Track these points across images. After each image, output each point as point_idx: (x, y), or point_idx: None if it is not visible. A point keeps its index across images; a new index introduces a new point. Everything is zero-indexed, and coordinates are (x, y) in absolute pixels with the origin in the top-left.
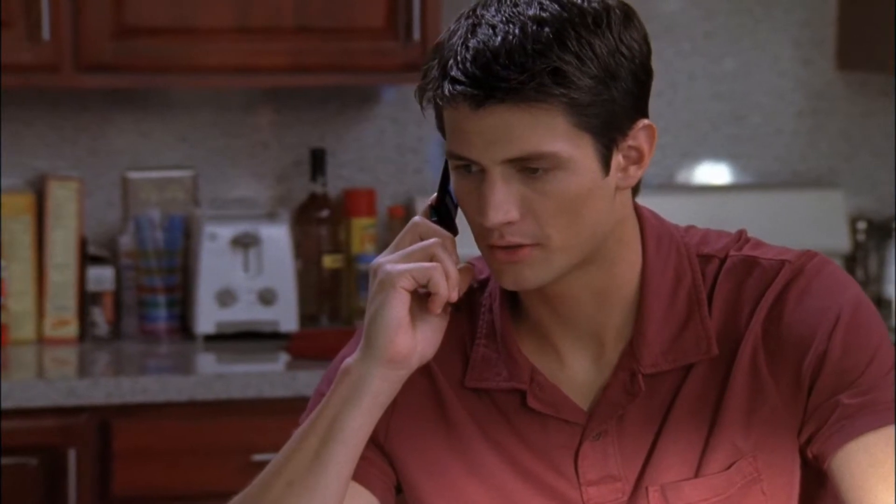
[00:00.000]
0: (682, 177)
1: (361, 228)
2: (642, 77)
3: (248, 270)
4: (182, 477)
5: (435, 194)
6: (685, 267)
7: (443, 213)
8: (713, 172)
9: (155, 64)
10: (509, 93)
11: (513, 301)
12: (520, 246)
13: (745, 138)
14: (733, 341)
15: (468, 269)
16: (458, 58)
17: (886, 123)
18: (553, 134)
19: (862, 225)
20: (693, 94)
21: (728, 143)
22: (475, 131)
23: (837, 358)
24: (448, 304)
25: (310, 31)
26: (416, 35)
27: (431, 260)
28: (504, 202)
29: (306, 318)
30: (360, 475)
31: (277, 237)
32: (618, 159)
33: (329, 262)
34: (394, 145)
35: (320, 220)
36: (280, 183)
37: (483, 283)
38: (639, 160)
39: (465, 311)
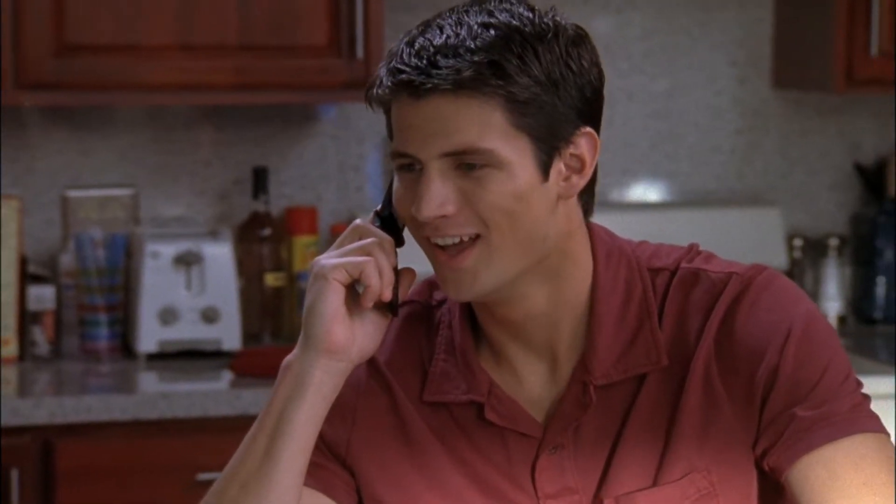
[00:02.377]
0: (620, 195)
1: (303, 246)
2: (589, 95)
3: (190, 289)
4: (127, 496)
5: (381, 203)
6: (636, 280)
7: (387, 220)
8: (651, 190)
9: (97, 81)
10: (447, 80)
11: (472, 317)
12: (459, 245)
13: (683, 157)
14: (684, 353)
15: (409, 271)
16: (403, 55)
17: (822, 141)
18: (490, 130)
19: (798, 242)
20: (631, 113)
21: (665, 162)
22: (415, 125)
23: (790, 371)
24: (386, 305)
25: (253, 49)
26: (360, 53)
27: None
28: (438, 195)
29: (249, 336)
30: (323, 485)
31: (220, 255)
32: (559, 167)
33: (271, 280)
34: (335, 163)
35: (262, 239)
36: (221, 201)
37: (441, 301)
38: (580, 169)
39: (423, 328)
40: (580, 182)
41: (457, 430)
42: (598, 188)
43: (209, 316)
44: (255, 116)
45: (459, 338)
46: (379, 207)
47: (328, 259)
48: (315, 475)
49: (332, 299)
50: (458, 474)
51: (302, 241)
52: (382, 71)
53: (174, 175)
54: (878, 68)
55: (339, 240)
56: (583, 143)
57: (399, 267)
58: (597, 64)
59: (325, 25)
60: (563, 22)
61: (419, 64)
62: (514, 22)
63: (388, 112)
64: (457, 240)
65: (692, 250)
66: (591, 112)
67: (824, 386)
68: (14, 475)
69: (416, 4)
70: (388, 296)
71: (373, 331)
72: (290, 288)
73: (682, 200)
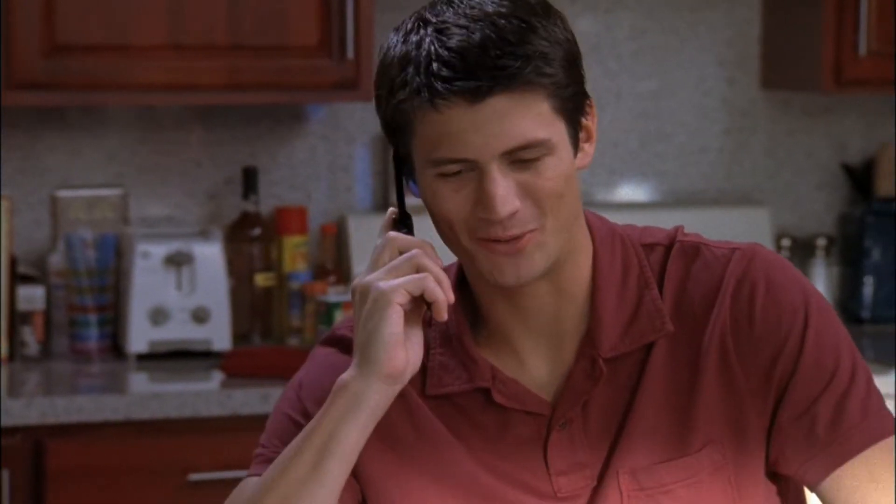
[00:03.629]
0: (607, 195)
1: (293, 246)
2: (580, 62)
3: (181, 289)
4: (118, 497)
5: (393, 208)
6: (631, 256)
7: (408, 224)
8: (639, 190)
9: (87, 82)
10: (510, 79)
11: (467, 308)
12: (520, 235)
13: (671, 156)
14: (692, 323)
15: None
16: (444, 60)
17: (809, 141)
18: (540, 120)
19: (786, 242)
20: (619, 113)
21: (654, 162)
22: (472, 128)
23: (812, 357)
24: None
25: (244, 49)
26: (350, 53)
27: (418, 271)
28: (507, 194)
29: (238, 336)
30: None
31: (210, 255)
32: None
33: (261, 280)
34: (325, 163)
35: (252, 239)
36: (211, 201)
37: None
38: (589, 138)
39: None
40: (591, 150)
41: (463, 420)
42: (650, 170)
43: (199, 316)
44: (244, 116)
45: (455, 328)
46: (394, 212)
47: (385, 282)
48: None
49: (396, 325)
50: (471, 462)
51: (292, 241)
52: (418, 79)
53: (164, 175)
54: (867, 68)
55: (375, 256)
56: (589, 112)
57: None
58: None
59: (316, 26)
60: None
61: (471, 67)
62: (520, 8)
63: (408, 122)
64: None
65: (679, 230)
66: (583, 77)
67: (842, 372)
68: (5, 475)
69: (406, 4)
70: (452, 299)
71: (418, 346)
72: (279, 288)
73: (670, 200)
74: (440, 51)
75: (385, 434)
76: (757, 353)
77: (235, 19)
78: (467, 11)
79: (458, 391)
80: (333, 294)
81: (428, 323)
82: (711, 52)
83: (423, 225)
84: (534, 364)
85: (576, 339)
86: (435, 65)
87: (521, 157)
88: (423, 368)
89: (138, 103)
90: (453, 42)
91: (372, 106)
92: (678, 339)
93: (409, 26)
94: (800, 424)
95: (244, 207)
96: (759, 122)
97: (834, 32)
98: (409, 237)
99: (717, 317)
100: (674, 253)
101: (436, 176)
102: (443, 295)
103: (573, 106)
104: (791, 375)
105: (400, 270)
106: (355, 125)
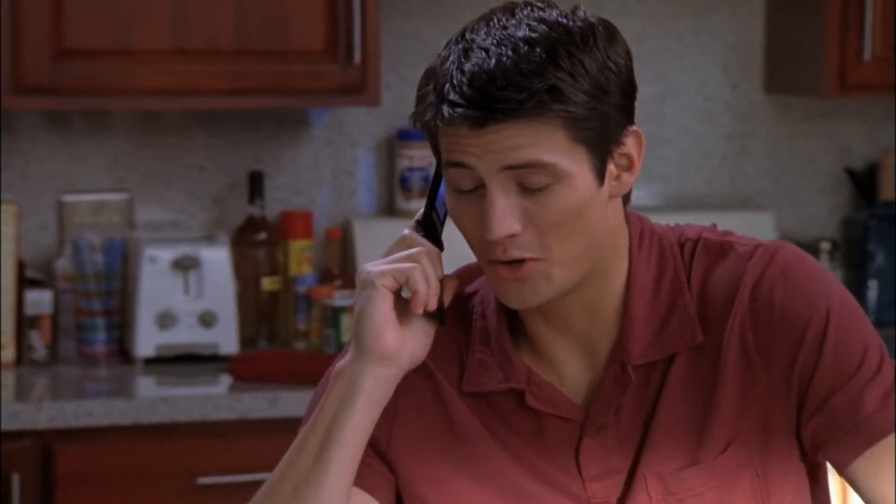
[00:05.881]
0: None
1: (299, 251)
2: (628, 90)
3: (188, 293)
4: (126, 501)
5: (422, 210)
6: (667, 258)
7: (429, 228)
8: (642, 195)
9: (93, 86)
10: (509, 113)
11: (510, 311)
12: (522, 261)
13: (674, 161)
14: (713, 325)
15: (452, 279)
16: (455, 81)
17: (813, 146)
18: (553, 146)
19: None
20: None
21: (657, 166)
22: (475, 146)
23: (833, 350)
24: (433, 313)
25: (249, 54)
26: (357, 58)
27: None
28: (506, 215)
29: (245, 340)
30: (364, 481)
31: (218, 259)
32: (611, 168)
33: (267, 284)
34: (329, 168)
35: (258, 243)
36: (216, 205)
37: (474, 291)
38: (630, 167)
39: (456, 319)
40: (630, 179)
41: (497, 420)
42: (654, 175)
43: (206, 320)
44: (249, 121)
45: (495, 327)
46: (420, 216)
47: (375, 266)
48: (359, 473)
49: (381, 305)
50: (506, 459)
51: (297, 246)
52: (432, 97)
53: (168, 180)
54: (872, 73)
55: (387, 250)
56: (630, 141)
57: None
58: (629, 54)
59: (322, 30)
60: (592, 19)
61: (475, 96)
62: (554, 34)
63: (431, 131)
64: (520, 258)
65: (714, 227)
66: (629, 105)
67: (867, 365)
68: (15, 479)
69: (411, 9)
70: (433, 305)
71: (422, 337)
72: (285, 292)
73: (674, 204)
74: (455, 73)
75: (419, 427)
76: (778, 348)
77: (241, 24)
78: (498, 33)
79: (493, 391)
80: (339, 298)
81: (470, 319)
82: (715, 56)
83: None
84: (568, 371)
85: (608, 347)
86: (447, 87)
87: (528, 183)
88: (462, 364)
89: (144, 107)
90: (468, 66)
91: (376, 110)
92: (702, 342)
93: (451, 39)
94: (823, 413)
95: (250, 212)
96: (763, 127)
97: (838, 38)
98: (420, 238)
99: (737, 314)
100: (698, 251)
101: (454, 192)
102: (425, 289)
103: (598, 135)
104: (813, 369)
105: (395, 260)
106: (360, 130)
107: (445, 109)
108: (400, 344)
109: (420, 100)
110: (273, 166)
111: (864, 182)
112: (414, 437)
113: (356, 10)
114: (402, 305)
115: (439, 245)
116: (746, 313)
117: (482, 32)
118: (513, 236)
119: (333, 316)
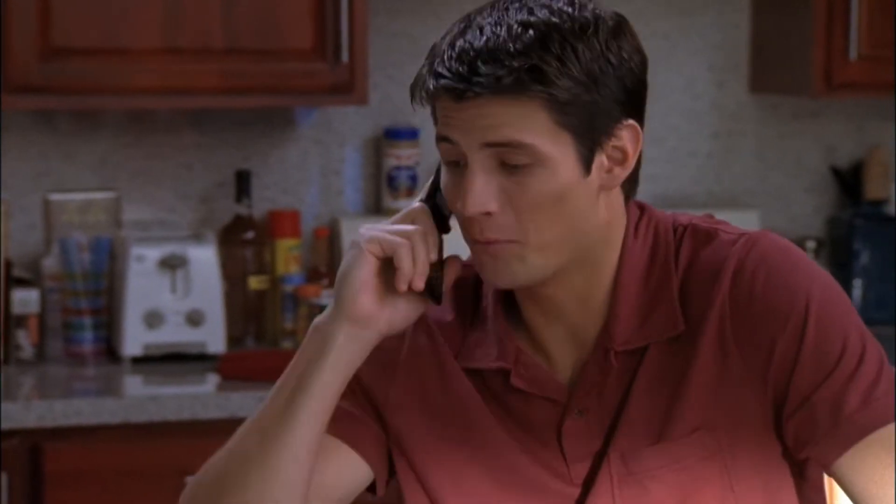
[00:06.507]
0: None
1: (286, 250)
2: (630, 85)
3: (175, 292)
4: (115, 500)
5: (425, 192)
6: (660, 244)
7: (434, 208)
8: None
9: (83, 85)
10: (487, 87)
11: (508, 293)
12: (496, 241)
13: (661, 160)
14: (694, 308)
15: (455, 260)
16: (444, 56)
17: (798, 145)
18: (533, 126)
19: None
20: None
21: (644, 165)
22: (457, 119)
23: (814, 343)
24: (427, 292)
25: (239, 53)
26: (345, 57)
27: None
28: (482, 192)
29: (232, 339)
30: (350, 436)
31: (205, 258)
32: (601, 160)
33: (254, 283)
34: (317, 167)
35: (245, 242)
36: (203, 204)
37: None
38: (623, 161)
39: (470, 296)
40: (622, 173)
41: (491, 397)
42: (641, 174)
43: (194, 319)
44: (236, 120)
45: (492, 306)
46: (424, 195)
47: (369, 230)
48: (343, 425)
49: (362, 270)
50: (500, 434)
51: (285, 245)
52: (425, 70)
53: (156, 179)
54: (858, 72)
55: (393, 217)
56: (625, 135)
57: (445, 256)
58: (639, 51)
59: (311, 29)
60: (602, 13)
61: (459, 69)
62: (554, 19)
63: (432, 104)
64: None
65: (708, 216)
66: (633, 102)
67: (848, 357)
68: (3, 479)
69: (399, 8)
70: (419, 285)
71: (406, 308)
72: (272, 291)
73: (661, 203)
74: (446, 48)
75: (419, 390)
76: (755, 337)
77: (230, 23)
78: (498, 15)
79: (484, 368)
80: (326, 297)
81: (482, 298)
82: (701, 56)
83: None
84: (557, 353)
85: (595, 333)
86: (437, 61)
87: (508, 161)
88: (463, 341)
89: (134, 107)
90: (460, 42)
91: (364, 109)
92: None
93: (461, 18)
94: (805, 409)
95: (237, 211)
96: (749, 126)
97: (824, 37)
98: (426, 218)
99: (717, 301)
100: (686, 236)
101: (445, 166)
102: (409, 268)
103: (584, 124)
104: (794, 360)
105: (392, 231)
106: (347, 129)
107: (431, 82)
108: (377, 310)
109: (417, 74)
110: (260, 165)
111: (849, 181)
112: (413, 394)
113: (344, 10)
114: (392, 274)
115: (445, 227)
116: (726, 301)
117: (485, 13)
118: (489, 214)
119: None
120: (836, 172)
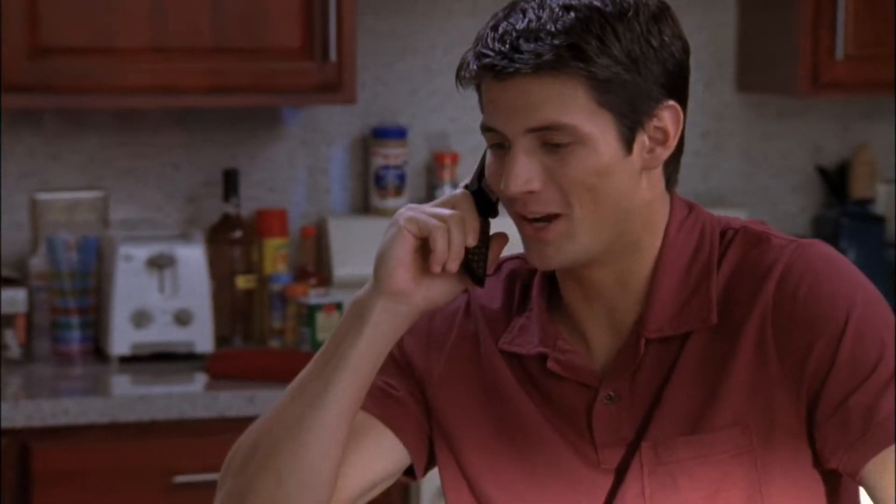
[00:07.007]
0: None
1: (274, 248)
2: (672, 68)
3: (163, 291)
4: (104, 499)
5: (471, 177)
6: (705, 243)
7: (478, 194)
8: None
9: (72, 84)
10: (527, 64)
11: (552, 277)
12: (545, 219)
13: None
14: (738, 308)
15: (502, 237)
16: (488, 39)
17: (784, 144)
18: (573, 106)
19: None
20: None
21: None
22: (500, 101)
23: (850, 350)
24: (467, 273)
25: (226, 52)
26: (333, 56)
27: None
28: (524, 172)
29: (220, 338)
30: (389, 417)
31: (193, 258)
32: (642, 140)
33: (242, 282)
34: (304, 166)
35: (233, 241)
36: (191, 203)
37: None
38: (664, 141)
39: (521, 283)
40: (664, 153)
41: (527, 379)
42: (683, 159)
43: (182, 318)
44: (223, 119)
45: (537, 292)
46: (469, 180)
47: (411, 210)
48: (384, 405)
49: (399, 247)
50: (535, 414)
51: (272, 244)
52: (469, 55)
53: (143, 178)
54: (844, 72)
55: (436, 201)
56: (666, 115)
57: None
58: (679, 37)
59: (298, 28)
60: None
61: (502, 48)
62: (596, 3)
63: (478, 88)
64: (542, 214)
65: (761, 222)
66: (674, 85)
67: (885, 367)
68: None
69: (386, 7)
70: (452, 268)
71: (443, 286)
72: (260, 290)
73: None
74: (490, 32)
75: (461, 379)
76: (794, 342)
77: (218, 22)
78: (546, 1)
79: (523, 353)
80: (314, 296)
81: (531, 287)
82: None
83: None
84: (595, 338)
85: (632, 320)
86: (481, 43)
87: (550, 140)
88: (507, 325)
89: (122, 106)
90: (503, 24)
91: (351, 108)
92: (719, 326)
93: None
94: (838, 415)
95: (225, 210)
96: (735, 125)
97: (811, 36)
98: (468, 204)
99: (761, 302)
100: (737, 238)
101: (489, 145)
102: (443, 251)
103: (625, 103)
104: (829, 366)
105: (429, 213)
106: (334, 128)
107: (474, 63)
108: (413, 286)
109: (462, 58)
110: (248, 164)
111: (835, 180)
112: (455, 377)
113: (332, 9)
114: (429, 253)
115: (493, 211)
116: (769, 303)
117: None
118: (532, 193)
119: (308, 314)
120: (823, 172)
